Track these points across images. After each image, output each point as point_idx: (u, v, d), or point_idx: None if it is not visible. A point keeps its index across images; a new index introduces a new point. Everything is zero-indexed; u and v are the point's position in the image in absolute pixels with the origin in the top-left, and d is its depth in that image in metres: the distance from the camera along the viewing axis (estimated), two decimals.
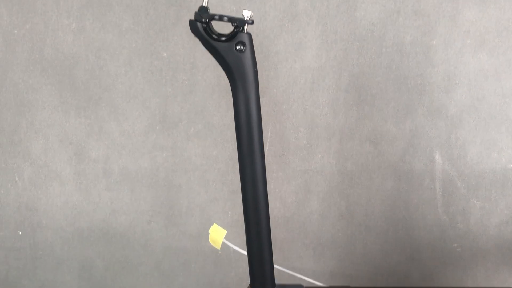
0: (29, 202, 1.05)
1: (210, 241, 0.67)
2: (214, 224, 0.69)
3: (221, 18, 0.55)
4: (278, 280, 0.69)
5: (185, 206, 1.04)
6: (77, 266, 1.10)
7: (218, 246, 0.66)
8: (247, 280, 0.99)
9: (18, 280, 1.12)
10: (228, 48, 0.55)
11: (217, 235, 0.67)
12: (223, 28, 0.62)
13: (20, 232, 1.08)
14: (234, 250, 1.06)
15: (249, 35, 0.58)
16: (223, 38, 0.55)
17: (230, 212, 1.04)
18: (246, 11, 0.56)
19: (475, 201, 0.98)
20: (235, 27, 0.55)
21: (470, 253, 1.01)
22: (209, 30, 0.55)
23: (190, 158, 1.01)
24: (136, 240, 1.07)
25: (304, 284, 0.63)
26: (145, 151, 1.00)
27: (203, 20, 0.55)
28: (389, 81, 0.94)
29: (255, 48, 0.61)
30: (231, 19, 0.55)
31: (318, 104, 0.96)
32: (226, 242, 0.67)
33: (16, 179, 1.04)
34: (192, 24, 0.56)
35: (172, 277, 1.09)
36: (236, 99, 0.52)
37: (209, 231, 0.68)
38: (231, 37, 0.55)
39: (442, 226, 1.00)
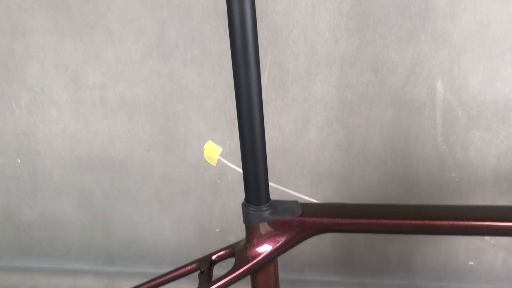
0: (27, 129, 1.05)
1: (205, 157, 0.66)
2: (209, 141, 0.68)
3: None
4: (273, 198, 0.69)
5: (183, 135, 1.03)
6: (76, 195, 1.11)
7: (213, 162, 0.66)
8: None
9: (18, 209, 1.13)
10: None
11: (213, 151, 0.66)
12: None
13: (19, 160, 1.08)
14: (233, 180, 1.06)
15: None
16: None
17: (228, 142, 1.03)
18: None
19: (475, 131, 0.97)
20: None
21: (468, 184, 1.02)
22: None
23: (187, 86, 0.99)
24: (135, 168, 1.07)
25: (300, 201, 0.63)
26: (141, 78, 0.99)
27: None
28: (392, 6, 0.91)
29: None
30: None
31: (319, 29, 0.93)
32: (222, 159, 0.67)
33: (13, 106, 1.03)
34: None
35: (171, 206, 1.10)
36: (230, 3, 0.49)
37: (204, 147, 0.67)
38: None
39: (441, 156, 1.00)
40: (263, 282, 0.61)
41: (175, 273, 0.67)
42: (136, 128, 1.03)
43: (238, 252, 0.62)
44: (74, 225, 1.16)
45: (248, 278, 0.61)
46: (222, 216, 1.11)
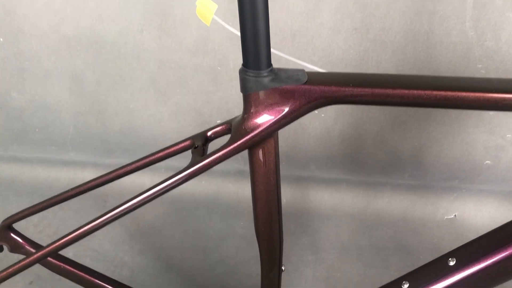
0: (6, 4, 0.95)
1: (198, 15, 0.57)
2: None
3: None
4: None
5: (179, 14, 0.93)
6: (66, 79, 1.03)
7: (207, 21, 0.57)
8: None
9: (7, 93, 1.07)
10: None
11: (206, 8, 0.57)
12: None
13: (1, 39, 0.99)
14: (234, 67, 0.97)
15: None
16: None
17: (230, 23, 0.93)
18: None
19: (510, 14, 0.85)
20: None
21: (495, 76, 0.92)
22: None
23: None
24: (127, 51, 0.98)
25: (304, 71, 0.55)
26: None
27: None
28: None
29: None
30: None
31: None
32: (217, 18, 0.57)
33: None
34: None
35: (169, 94, 1.03)
36: None
37: (196, 3, 0.57)
38: None
39: (468, 43, 0.89)
40: (261, 158, 0.55)
41: (168, 150, 0.61)
42: (127, 5, 0.93)
43: (235, 125, 0.55)
44: (67, 112, 1.10)
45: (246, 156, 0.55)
46: (223, 106, 1.03)
